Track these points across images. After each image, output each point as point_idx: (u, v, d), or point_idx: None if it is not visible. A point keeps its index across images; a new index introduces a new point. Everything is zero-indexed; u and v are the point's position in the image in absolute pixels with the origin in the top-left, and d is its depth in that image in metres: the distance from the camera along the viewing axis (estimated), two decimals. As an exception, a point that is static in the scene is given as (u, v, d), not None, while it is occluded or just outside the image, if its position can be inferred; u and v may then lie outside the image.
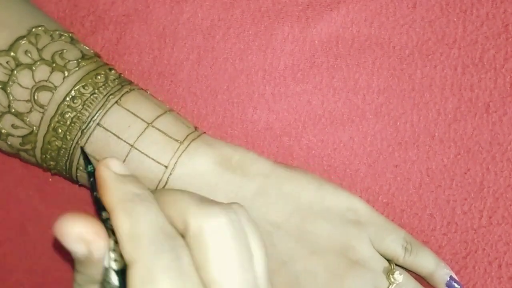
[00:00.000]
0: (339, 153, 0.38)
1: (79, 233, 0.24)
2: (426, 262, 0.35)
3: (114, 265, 0.25)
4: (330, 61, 0.39)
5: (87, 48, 0.35)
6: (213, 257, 0.24)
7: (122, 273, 0.24)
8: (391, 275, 0.34)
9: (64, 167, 0.34)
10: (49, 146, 0.33)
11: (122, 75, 0.36)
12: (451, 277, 0.35)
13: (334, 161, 0.38)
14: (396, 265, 0.35)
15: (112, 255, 0.25)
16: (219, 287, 0.24)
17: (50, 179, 0.39)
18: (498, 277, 0.37)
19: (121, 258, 0.25)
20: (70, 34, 0.35)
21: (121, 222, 0.24)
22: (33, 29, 0.34)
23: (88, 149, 0.33)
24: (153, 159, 0.33)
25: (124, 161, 0.32)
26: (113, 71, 0.35)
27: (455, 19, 0.39)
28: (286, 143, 0.39)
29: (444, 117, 0.38)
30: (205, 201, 0.25)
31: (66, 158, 0.33)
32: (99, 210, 0.26)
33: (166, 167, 0.33)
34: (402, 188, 0.38)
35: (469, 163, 0.38)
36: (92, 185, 0.26)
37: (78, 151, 0.33)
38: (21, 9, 0.35)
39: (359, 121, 0.38)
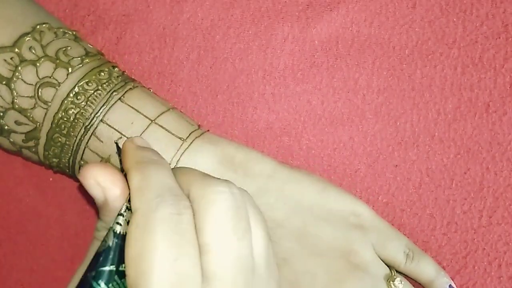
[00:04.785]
0: (339, 153, 0.38)
1: (97, 178, 0.27)
2: (427, 269, 0.35)
3: (118, 228, 0.26)
4: (330, 61, 0.39)
5: (90, 46, 0.35)
6: (209, 221, 0.25)
7: (122, 238, 0.26)
8: (391, 282, 0.34)
9: (67, 164, 0.34)
10: (52, 143, 0.33)
11: (126, 72, 0.36)
12: (450, 286, 0.35)
13: (334, 161, 0.38)
14: (397, 271, 0.35)
15: (120, 218, 0.26)
16: (210, 250, 0.25)
17: (51, 179, 0.39)
18: (498, 277, 0.37)
19: (126, 224, 0.26)
20: (74, 32, 0.35)
21: (132, 177, 0.26)
22: (38, 26, 0.34)
23: (91, 146, 0.33)
24: None
25: None
26: (116, 69, 0.35)
27: (455, 19, 0.39)
28: (286, 143, 0.39)
29: (444, 117, 0.38)
30: (211, 176, 0.27)
31: (70, 154, 0.33)
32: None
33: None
34: (402, 188, 0.38)
35: (469, 163, 0.38)
36: (120, 159, 0.29)
37: (82, 148, 0.33)
38: (25, 7, 0.35)
39: (359, 121, 0.38)
